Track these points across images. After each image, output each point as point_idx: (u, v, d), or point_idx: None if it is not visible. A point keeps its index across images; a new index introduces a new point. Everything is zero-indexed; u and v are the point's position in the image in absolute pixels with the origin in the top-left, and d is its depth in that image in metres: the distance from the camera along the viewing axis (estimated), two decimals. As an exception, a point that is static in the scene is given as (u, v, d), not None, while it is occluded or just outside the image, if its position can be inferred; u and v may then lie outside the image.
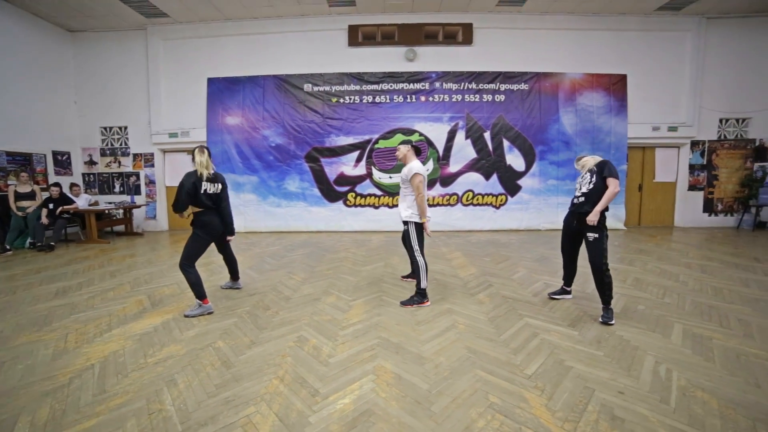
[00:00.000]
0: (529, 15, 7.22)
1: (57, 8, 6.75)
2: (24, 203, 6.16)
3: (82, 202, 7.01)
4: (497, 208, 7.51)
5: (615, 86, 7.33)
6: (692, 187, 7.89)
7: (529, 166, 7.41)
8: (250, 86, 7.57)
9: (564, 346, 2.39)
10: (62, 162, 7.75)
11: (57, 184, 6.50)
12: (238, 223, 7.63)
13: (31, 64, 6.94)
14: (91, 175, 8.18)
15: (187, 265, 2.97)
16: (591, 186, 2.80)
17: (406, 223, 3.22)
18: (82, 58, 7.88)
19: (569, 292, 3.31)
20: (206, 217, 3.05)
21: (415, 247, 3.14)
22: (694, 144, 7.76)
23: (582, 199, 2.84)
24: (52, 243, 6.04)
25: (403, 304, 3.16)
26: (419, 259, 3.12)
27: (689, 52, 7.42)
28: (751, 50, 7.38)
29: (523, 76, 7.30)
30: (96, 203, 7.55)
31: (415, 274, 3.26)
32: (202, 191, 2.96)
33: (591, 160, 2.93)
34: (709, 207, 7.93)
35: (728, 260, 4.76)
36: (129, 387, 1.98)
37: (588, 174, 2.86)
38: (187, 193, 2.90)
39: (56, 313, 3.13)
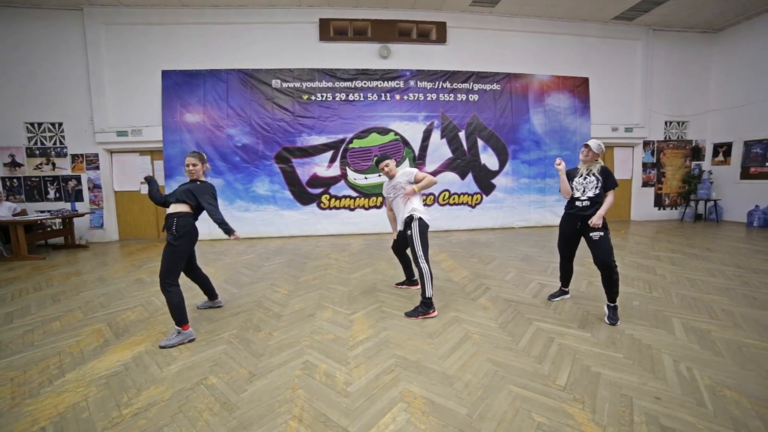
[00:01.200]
0: (501, 16, 7.37)
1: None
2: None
3: (4, 211, 5.99)
4: (473, 207, 7.60)
5: (579, 88, 7.72)
6: (645, 184, 8.57)
7: (502, 165, 7.57)
8: (212, 81, 6.95)
9: (582, 350, 2.36)
10: (-22, 164, 6.58)
11: (-27, 191, 5.48)
12: (202, 231, 6.94)
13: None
14: (15, 179, 7.03)
15: (170, 282, 2.58)
16: (597, 192, 2.82)
17: (409, 225, 3.05)
18: (0, 39, 6.71)
19: (567, 293, 3.34)
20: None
21: (419, 252, 2.98)
22: (646, 144, 8.42)
23: (587, 203, 2.85)
24: (-29, 261, 5.08)
25: (408, 315, 2.98)
26: (424, 266, 2.95)
27: (640, 59, 8.03)
28: (688, 60, 8.21)
29: (496, 77, 7.44)
30: (23, 212, 6.49)
31: (418, 282, 3.11)
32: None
33: (595, 163, 2.91)
34: (658, 202, 8.67)
35: (688, 251, 5.17)
36: (108, 447, 1.60)
37: (593, 178, 2.84)
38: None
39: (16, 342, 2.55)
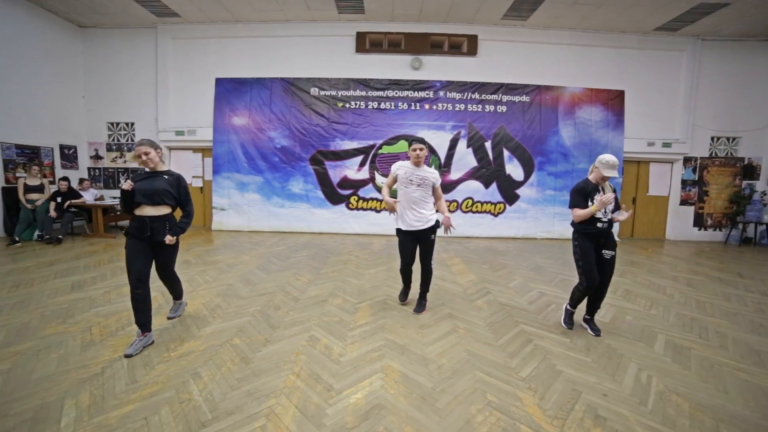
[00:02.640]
0: (533, 29, 7.45)
1: (71, 5, 6.87)
2: (33, 196, 6.26)
3: (89, 196, 7.12)
4: (495, 215, 7.74)
5: (613, 101, 7.58)
6: (684, 202, 8.16)
7: (527, 176, 7.64)
8: (258, 88, 7.73)
9: (556, 351, 2.60)
10: (69, 156, 7.85)
11: (65, 178, 6.61)
12: (241, 222, 7.83)
13: (40, 59, 7.04)
14: (97, 170, 8.29)
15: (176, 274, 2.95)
16: (612, 211, 2.80)
17: (434, 231, 3.17)
18: (91, 54, 7.98)
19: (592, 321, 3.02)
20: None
21: (433, 255, 3.32)
22: (687, 160, 8.03)
23: (606, 225, 2.75)
24: (60, 236, 6.16)
25: (418, 311, 3.31)
26: (433, 267, 3.32)
27: (684, 72, 7.69)
28: (743, 72, 7.68)
29: (525, 88, 7.53)
30: (101, 198, 7.66)
31: (426, 284, 3.35)
32: None
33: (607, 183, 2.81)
34: (699, 221, 8.21)
35: (713, 275, 5.01)
36: (157, 378, 2.15)
37: (612, 197, 2.66)
38: None
39: (77, 306, 3.29)
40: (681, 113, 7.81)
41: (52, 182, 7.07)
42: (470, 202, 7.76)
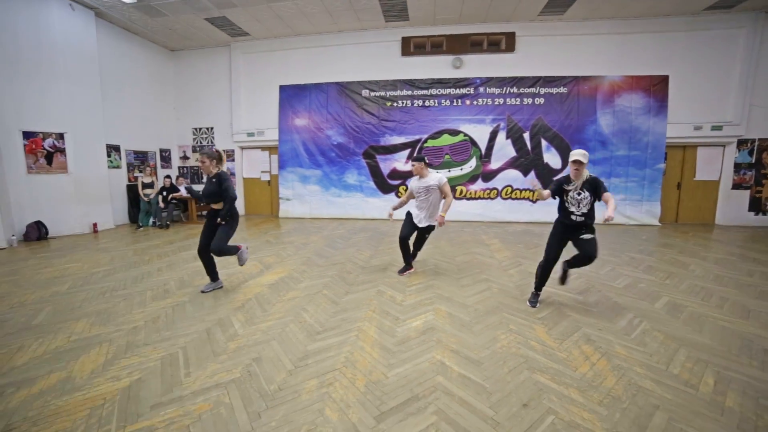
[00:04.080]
0: (570, 22, 7.71)
1: (167, 35, 8.38)
2: (147, 191, 7.93)
3: (183, 190, 8.73)
4: (534, 202, 8.21)
5: (656, 87, 7.64)
6: (737, 186, 8.00)
7: (565, 164, 7.99)
8: (316, 92, 8.82)
9: (569, 304, 3.31)
10: (165, 157, 9.58)
11: (168, 176, 8.23)
12: (304, 210, 9.07)
13: (144, 79, 8.70)
14: (185, 168, 9.98)
15: (227, 245, 3.60)
16: (589, 207, 2.97)
17: (430, 230, 4.17)
18: (179, 72, 9.59)
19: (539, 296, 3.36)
20: (233, 209, 3.62)
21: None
22: (742, 142, 7.85)
23: (581, 218, 2.99)
24: (168, 222, 7.77)
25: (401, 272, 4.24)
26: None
27: (741, 49, 7.47)
28: (806, 48, 7.30)
29: (563, 80, 7.84)
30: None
31: (412, 263, 4.30)
32: None
33: (585, 171, 2.96)
34: (755, 206, 8.01)
35: (750, 255, 5.22)
36: (279, 310, 3.23)
37: (586, 194, 2.91)
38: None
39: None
40: (735, 94, 7.63)
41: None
42: (509, 189, 8.30)
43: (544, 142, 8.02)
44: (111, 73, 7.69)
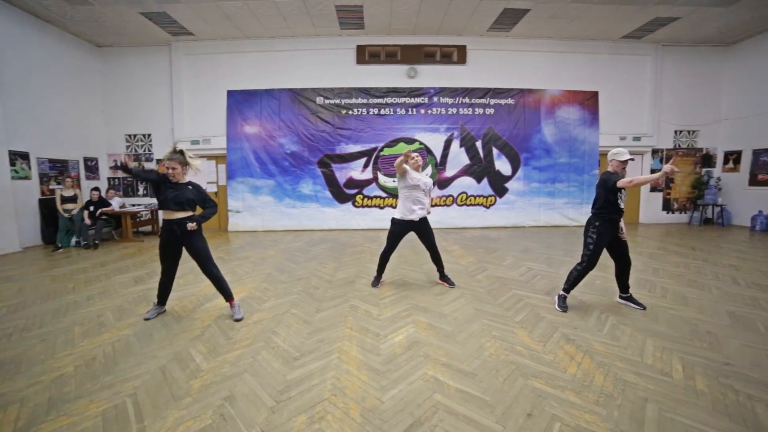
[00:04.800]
0: (515, 38, 8.30)
1: (94, 28, 7.42)
2: (68, 206, 6.84)
3: (115, 204, 7.71)
4: (487, 207, 8.58)
5: (588, 101, 8.49)
6: (653, 189, 9.15)
7: (515, 171, 8.50)
8: (267, 98, 8.40)
9: (541, 306, 3.41)
10: (91, 167, 8.41)
11: (96, 189, 7.20)
12: (256, 223, 8.51)
13: (65, 78, 7.59)
14: (117, 179, 8.85)
15: (214, 264, 3.23)
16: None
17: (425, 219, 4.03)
18: (108, 71, 8.53)
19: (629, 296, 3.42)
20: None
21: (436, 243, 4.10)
22: (655, 152, 9.01)
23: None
24: (96, 241, 6.77)
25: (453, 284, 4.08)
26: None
27: (649, 73, 8.65)
28: (699, 73, 8.72)
29: (510, 92, 8.38)
30: (124, 205, 8.24)
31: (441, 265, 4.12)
32: None
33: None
34: (667, 206, 9.22)
35: (672, 249, 5.93)
36: (246, 335, 2.89)
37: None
38: None
39: (148, 294, 3.97)
40: (648, 110, 8.77)
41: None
42: (464, 196, 8.59)
43: (495, 151, 8.46)
44: (13, 66, 6.52)
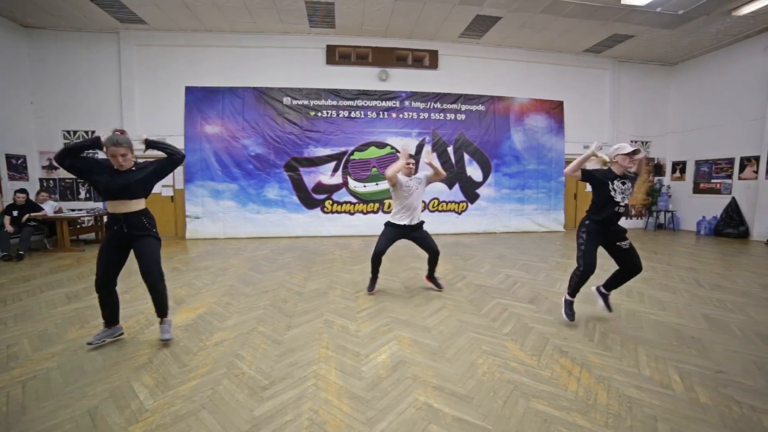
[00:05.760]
0: (486, 46, 8.42)
1: (15, 3, 6.44)
2: (-12, 210, 5.87)
3: (48, 209, 6.75)
4: (459, 213, 8.56)
5: (554, 110, 8.78)
6: (612, 195, 9.60)
7: (486, 177, 8.56)
8: (230, 97, 7.84)
9: (527, 315, 3.28)
10: (17, 166, 7.35)
11: (23, 191, 6.27)
12: (217, 230, 7.86)
13: (-19, 61, 6.57)
14: (52, 181, 7.82)
15: (161, 274, 2.77)
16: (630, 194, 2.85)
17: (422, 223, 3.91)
18: (39, 57, 7.53)
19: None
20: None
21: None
22: (613, 160, 9.48)
23: (623, 210, 2.86)
24: (21, 252, 5.85)
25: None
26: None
27: (608, 86, 9.14)
28: (650, 88, 9.39)
29: (481, 99, 8.46)
30: (60, 210, 7.26)
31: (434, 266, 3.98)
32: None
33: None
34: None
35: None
36: (204, 360, 2.46)
37: (630, 185, 2.82)
38: None
39: (85, 313, 3.38)
40: (608, 120, 9.24)
41: None
42: (436, 202, 8.50)
43: (466, 156, 8.48)
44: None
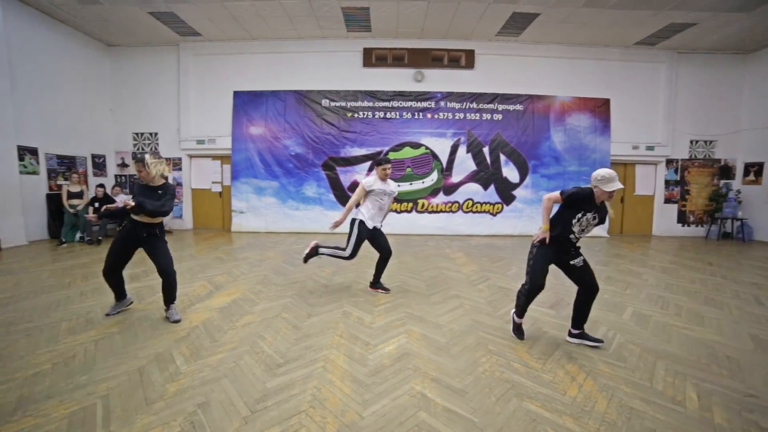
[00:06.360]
0: (525, 44, 8.15)
1: (104, 28, 7.52)
2: (74, 201, 6.89)
3: (120, 202, 7.75)
4: (494, 215, 8.39)
5: (599, 109, 8.27)
6: (668, 201, 8.83)
7: (522, 179, 8.30)
8: (273, 99, 8.39)
9: (543, 319, 3.23)
10: (99, 164, 8.50)
11: (101, 185, 7.25)
12: (259, 224, 8.46)
13: (74, 75, 7.70)
14: (123, 177, 8.93)
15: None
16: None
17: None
18: (117, 69, 8.65)
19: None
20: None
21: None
22: (669, 162, 8.71)
23: (576, 240, 2.64)
24: (100, 237, 6.79)
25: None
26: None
27: (664, 81, 8.39)
28: (715, 82, 8.43)
29: (519, 98, 8.22)
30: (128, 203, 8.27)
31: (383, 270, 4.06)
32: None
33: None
34: (682, 218, 8.88)
35: (687, 264, 5.66)
36: (232, 339, 2.78)
37: (596, 216, 2.58)
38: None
39: (142, 291, 3.91)
40: (662, 118, 8.50)
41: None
42: (470, 203, 8.41)
43: (502, 157, 8.28)
44: (24, 63, 6.63)
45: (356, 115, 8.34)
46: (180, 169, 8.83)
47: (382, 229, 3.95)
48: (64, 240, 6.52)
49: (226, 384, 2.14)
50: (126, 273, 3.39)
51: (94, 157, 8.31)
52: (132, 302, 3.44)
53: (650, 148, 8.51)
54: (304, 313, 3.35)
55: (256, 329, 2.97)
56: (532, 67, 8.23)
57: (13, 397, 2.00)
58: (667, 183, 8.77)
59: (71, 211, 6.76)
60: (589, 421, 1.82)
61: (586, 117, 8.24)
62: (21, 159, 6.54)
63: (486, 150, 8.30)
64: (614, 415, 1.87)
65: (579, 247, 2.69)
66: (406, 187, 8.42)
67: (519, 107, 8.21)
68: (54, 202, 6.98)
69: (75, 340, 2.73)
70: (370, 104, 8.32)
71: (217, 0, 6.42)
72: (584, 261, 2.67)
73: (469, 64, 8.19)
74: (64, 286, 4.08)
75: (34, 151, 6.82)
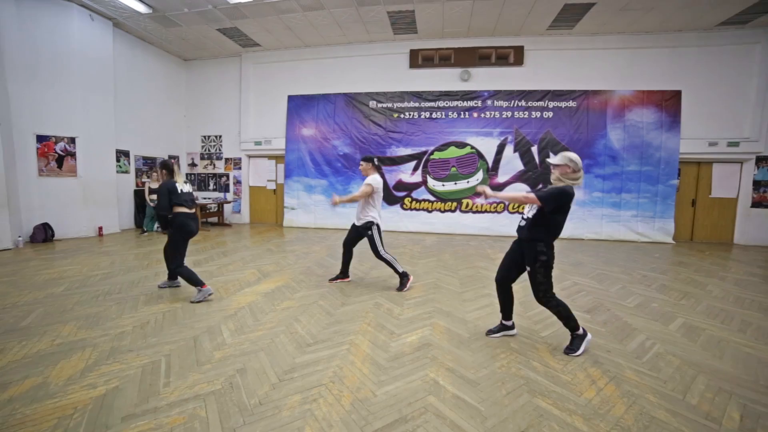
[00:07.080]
0: (579, 36, 7.66)
1: (182, 46, 8.60)
2: (153, 196, 7.97)
3: (191, 196, 8.78)
4: (541, 216, 8.00)
5: (668, 102, 7.48)
6: (757, 204, 7.69)
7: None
8: (323, 103, 8.89)
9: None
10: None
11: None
12: (308, 220, 9.03)
13: (158, 88, 8.89)
14: (193, 175, 10.08)
15: (179, 265, 3.62)
16: (535, 212, 2.60)
17: (369, 228, 4.10)
18: (191, 80, 9.79)
19: (511, 327, 2.84)
20: (179, 221, 3.68)
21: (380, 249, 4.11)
22: (761, 159, 7.58)
23: (524, 222, 2.67)
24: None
25: (399, 290, 4.02)
26: (387, 256, 4.07)
27: (757, 65, 7.30)
28: (824, 65, 7.11)
29: (572, 94, 7.75)
30: (197, 199, 9.34)
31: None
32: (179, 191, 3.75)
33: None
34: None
35: (770, 276, 4.95)
36: (271, 319, 3.11)
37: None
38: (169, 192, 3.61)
39: (202, 275, 4.47)
40: (753, 109, 7.41)
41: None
42: (517, 203, 8.12)
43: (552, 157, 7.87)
44: (125, 80, 7.87)
45: (402, 116, 8.51)
46: (240, 168, 9.73)
47: (369, 233, 4.15)
48: (145, 229, 7.60)
49: (262, 356, 2.44)
50: (193, 260, 3.92)
51: (170, 157, 9.49)
52: (180, 285, 4.03)
53: (733, 144, 7.49)
54: (338, 302, 3.60)
55: (294, 313, 3.28)
56: (587, 61, 7.70)
57: (107, 347, 2.53)
58: (758, 184, 7.63)
59: (151, 204, 7.83)
60: (600, 423, 1.79)
61: (650, 112, 7.51)
62: (117, 160, 7.75)
63: (534, 149, 7.96)
64: (630, 421, 1.81)
65: (534, 251, 2.63)
66: (450, 186, 8.40)
67: (572, 104, 7.74)
68: (139, 196, 8.16)
69: (149, 310, 3.27)
70: (416, 105, 8.43)
71: (274, 13, 7.00)
72: (530, 270, 2.65)
73: (518, 60, 7.91)
74: (143, 267, 4.82)
75: (126, 154, 8.04)
